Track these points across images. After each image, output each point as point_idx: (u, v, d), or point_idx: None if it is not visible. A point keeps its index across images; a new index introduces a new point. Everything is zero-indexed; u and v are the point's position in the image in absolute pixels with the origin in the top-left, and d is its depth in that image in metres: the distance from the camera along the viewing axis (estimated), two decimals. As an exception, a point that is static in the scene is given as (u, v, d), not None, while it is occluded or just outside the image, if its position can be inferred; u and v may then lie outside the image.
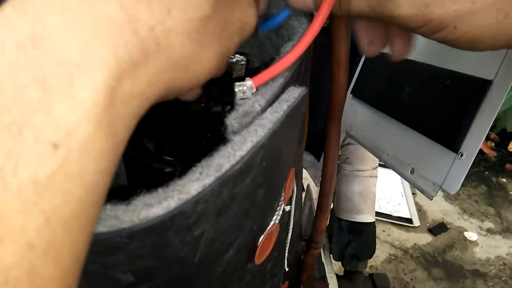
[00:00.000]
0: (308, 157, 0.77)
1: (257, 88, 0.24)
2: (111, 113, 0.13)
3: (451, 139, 0.37)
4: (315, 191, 0.68)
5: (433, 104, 0.41)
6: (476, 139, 0.35)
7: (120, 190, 0.45)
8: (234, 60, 0.34)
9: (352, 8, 0.24)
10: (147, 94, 0.15)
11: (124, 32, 0.14)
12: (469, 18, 0.21)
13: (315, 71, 0.47)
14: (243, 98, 0.24)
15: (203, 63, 0.18)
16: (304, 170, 0.79)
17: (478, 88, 0.36)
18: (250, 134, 0.21)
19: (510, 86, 0.34)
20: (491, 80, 0.35)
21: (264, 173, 0.23)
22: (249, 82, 0.24)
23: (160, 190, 0.17)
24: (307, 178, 0.72)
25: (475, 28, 0.21)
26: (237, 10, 0.20)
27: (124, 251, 0.16)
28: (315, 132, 0.59)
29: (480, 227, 1.48)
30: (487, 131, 0.34)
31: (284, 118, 0.22)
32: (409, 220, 1.45)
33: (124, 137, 0.15)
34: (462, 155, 0.36)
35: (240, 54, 0.35)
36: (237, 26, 0.20)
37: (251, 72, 0.30)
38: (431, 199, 0.39)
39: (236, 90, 0.24)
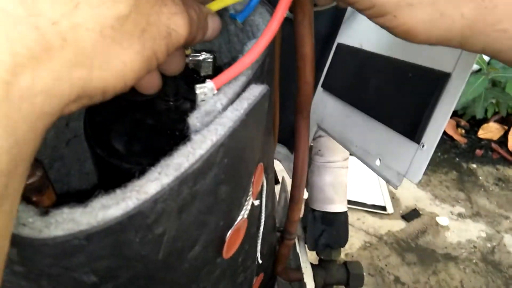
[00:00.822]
0: (282, 150, 0.77)
1: (218, 89, 0.25)
2: (8, 109, 0.13)
3: (413, 131, 0.38)
4: (290, 183, 0.69)
5: (396, 97, 0.42)
6: (435, 130, 0.36)
7: (91, 191, 0.45)
8: (201, 58, 0.35)
9: None
10: (55, 91, 0.15)
11: (21, 26, 0.14)
12: (408, 10, 0.23)
13: (286, 65, 0.48)
14: (205, 100, 0.25)
15: (125, 63, 0.18)
16: (279, 162, 0.80)
17: (437, 81, 0.37)
18: (210, 133, 0.21)
19: (467, 79, 0.35)
20: (450, 73, 0.36)
21: (227, 170, 0.23)
22: (210, 84, 0.24)
23: (118, 191, 0.17)
24: (283, 170, 0.73)
25: (411, 21, 0.24)
26: (164, 16, 0.20)
27: (83, 253, 0.17)
28: (288, 125, 0.60)
29: (451, 212, 1.53)
30: (446, 123, 0.36)
31: (245, 116, 0.23)
32: (383, 208, 1.49)
33: (29, 137, 0.14)
34: (423, 145, 0.37)
35: (207, 52, 0.35)
36: (162, 31, 0.20)
37: (219, 69, 0.30)
38: (396, 189, 0.40)
39: (197, 92, 0.24)
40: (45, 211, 0.16)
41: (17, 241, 0.16)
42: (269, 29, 0.24)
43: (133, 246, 0.18)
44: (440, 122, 0.36)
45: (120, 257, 0.18)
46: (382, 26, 0.26)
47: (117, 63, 0.17)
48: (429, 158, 0.37)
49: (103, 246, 0.17)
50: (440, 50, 0.38)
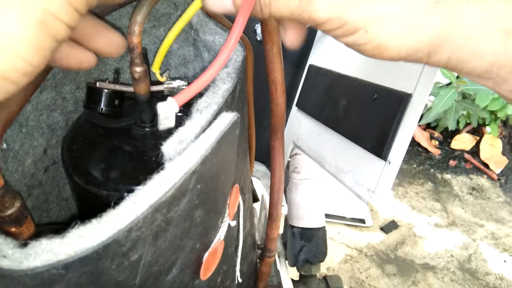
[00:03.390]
0: (260, 168, 0.79)
1: (182, 109, 0.25)
2: None
3: (380, 148, 0.40)
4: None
5: (363, 116, 0.44)
6: (400, 148, 0.38)
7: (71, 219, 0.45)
8: (176, 85, 0.36)
9: (273, 11, 0.25)
10: None
11: None
12: (380, 24, 0.24)
13: (263, 85, 0.50)
14: (167, 118, 0.25)
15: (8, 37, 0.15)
16: (258, 180, 0.81)
17: (400, 101, 0.39)
18: (182, 161, 0.22)
19: (427, 99, 0.38)
20: (411, 93, 0.39)
21: (201, 195, 0.24)
22: (171, 100, 0.24)
23: (93, 221, 0.18)
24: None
25: (383, 34, 0.24)
26: None
27: (62, 282, 0.17)
28: (265, 143, 0.62)
29: (428, 223, 1.57)
30: (410, 140, 0.38)
31: (216, 144, 0.24)
32: (362, 221, 1.51)
33: None
34: (390, 162, 0.39)
35: (181, 79, 0.36)
36: None
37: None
38: (367, 204, 0.42)
39: (158, 111, 0.25)
40: (24, 243, 0.17)
41: (-3, 273, 0.17)
42: (224, 48, 0.25)
43: (110, 273, 0.19)
44: (404, 140, 0.39)
45: (98, 284, 0.19)
46: (352, 45, 0.25)
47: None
48: (395, 174, 0.39)
49: (81, 275, 0.18)
50: (401, 72, 0.41)
